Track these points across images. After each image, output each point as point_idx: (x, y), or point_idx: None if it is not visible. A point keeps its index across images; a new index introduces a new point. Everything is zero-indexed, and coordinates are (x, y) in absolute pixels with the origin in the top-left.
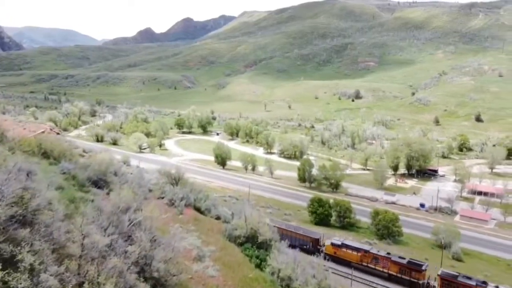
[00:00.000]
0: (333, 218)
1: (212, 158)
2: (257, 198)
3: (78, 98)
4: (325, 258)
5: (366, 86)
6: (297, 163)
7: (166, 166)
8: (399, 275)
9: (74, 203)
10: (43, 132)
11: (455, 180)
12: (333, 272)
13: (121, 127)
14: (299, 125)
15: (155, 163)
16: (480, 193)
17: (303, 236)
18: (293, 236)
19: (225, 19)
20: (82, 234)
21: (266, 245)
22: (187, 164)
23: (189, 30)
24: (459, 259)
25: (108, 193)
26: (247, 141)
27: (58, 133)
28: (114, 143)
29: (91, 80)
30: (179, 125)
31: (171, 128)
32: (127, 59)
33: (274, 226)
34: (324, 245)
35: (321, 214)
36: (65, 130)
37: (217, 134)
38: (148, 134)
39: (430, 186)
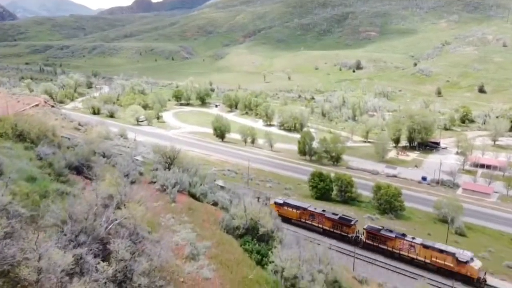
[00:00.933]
0: (334, 192)
1: (211, 131)
2: (256, 172)
3: (73, 70)
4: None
5: (367, 57)
6: (297, 136)
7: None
8: (332, 229)
9: (46, 198)
10: (37, 105)
11: (457, 153)
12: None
13: (118, 99)
14: (299, 96)
15: (153, 136)
16: (482, 165)
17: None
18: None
19: None
20: (38, 254)
21: (268, 237)
22: (185, 137)
23: None
24: (462, 234)
25: (91, 180)
26: (246, 113)
27: (53, 106)
28: (111, 115)
29: (87, 51)
30: (177, 97)
31: (169, 100)
32: (123, 29)
33: None
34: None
35: (322, 189)
36: (61, 102)
37: (216, 106)
38: (145, 107)
39: (432, 159)
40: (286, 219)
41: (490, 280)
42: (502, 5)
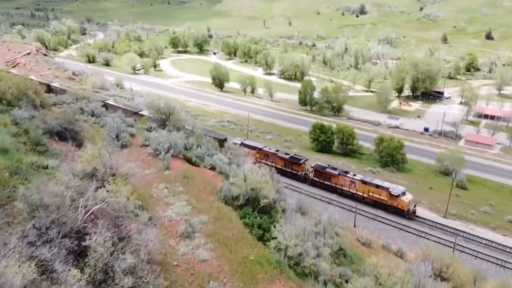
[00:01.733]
0: (335, 145)
1: (210, 80)
2: (256, 123)
3: (66, 15)
4: None
5: (372, 1)
6: (297, 85)
7: (158, 93)
8: (284, 168)
9: (18, 174)
10: (28, 53)
11: (461, 103)
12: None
13: (113, 47)
14: (300, 43)
15: (150, 86)
16: (486, 116)
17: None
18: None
19: None
20: None
21: (270, 209)
22: (183, 87)
23: None
24: (463, 187)
25: (75, 147)
26: (246, 61)
27: (45, 54)
28: (107, 64)
29: None
30: (174, 44)
31: (166, 47)
32: None
33: None
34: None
35: (323, 141)
36: (54, 50)
37: (214, 53)
38: (141, 54)
39: (435, 109)
40: None
41: (420, 211)
42: None
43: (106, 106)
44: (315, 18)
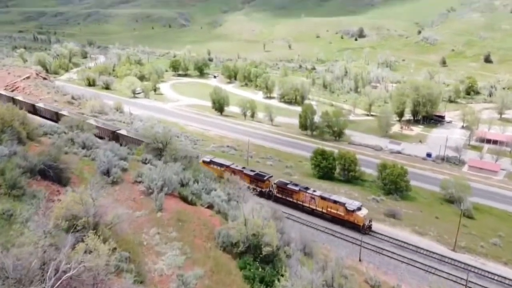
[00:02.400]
0: (337, 171)
1: (210, 103)
2: (256, 148)
3: (68, 38)
4: None
5: (370, 24)
6: (298, 109)
7: (152, 126)
8: (249, 184)
9: None
10: (28, 77)
11: (463, 127)
12: None
13: (113, 70)
14: (300, 66)
15: (150, 110)
16: (489, 141)
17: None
18: None
19: None
20: None
21: (273, 257)
22: (183, 110)
23: None
24: (470, 216)
25: (59, 187)
26: (246, 84)
27: (45, 78)
28: (107, 87)
29: (82, 18)
30: (175, 67)
31: (166, 71)
32: None
33: None
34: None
35: (324, 168)
36: (55, 73)
37: (214, 76)
38: (142, 77)
39: (436, 134)
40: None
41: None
42: None
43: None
44: (314, 41)
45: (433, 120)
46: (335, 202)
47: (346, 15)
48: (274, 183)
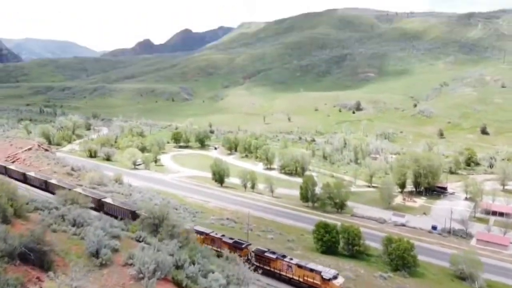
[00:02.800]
0: (341, 245)
1: (210, 174)
2: (257, 220)
3: (74, 111)
4: None
5: (367, 98)
6: (298, 180)
7: (151, 200)
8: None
9: None
10: (30, 148)
11: (466, 198)
12: None
13: (115, 142)
14: (300, 138)
15: (150, 181)
16: (494, 213)
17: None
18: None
19: (224, 30)
20: None
21: None
22: (183, 182)
23: (187, 41)
24: None
25: (40, 272)
26: (246, 155)
27: (46, 150)
28: (108, 158)
29: (88, 92)
30: (176, 139)
31: (168, 142)
32: (125, 71)
33: None
34: None
35: (327, 242)
36: (58, 144)
37: (215, 148)
38: (143, 149)
39: (440, 205)
40: None
41: None
42: (497, 47)
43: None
44: (313, 114)
45: (436, 191)
46: (311, 270)
47: (342, 89)
48: (252, 251)
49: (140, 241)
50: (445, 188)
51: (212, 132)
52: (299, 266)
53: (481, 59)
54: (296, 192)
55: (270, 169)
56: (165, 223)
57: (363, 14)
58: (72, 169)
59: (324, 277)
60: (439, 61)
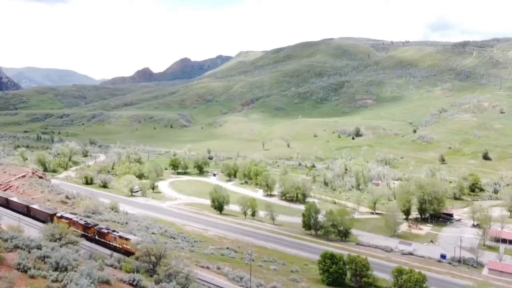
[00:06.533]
0: (348, 276)
1: (209, 201)
2: (259, 250)
3: (71, 138)
4: None
5: (366, 124)
6: (300, 207)
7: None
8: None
9: None
10: (24, 176)
11: (473, 225)
12: None
13: (113, 168)
14: (300, 164)
15: (146, 208)
16: (504, 240)
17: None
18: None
19: (222, 59)
20: None
21: None
22: (181, 209)
23: (186, 69)
24: None
25: None
26: (246, 182)
27: (41, 177)
28: (104, 185)
29: (86, 119)
30: (174, 166)
31: (166, 169)
32: (124, 98)
33: None
34: None
35: (334, 273)
36: (54, 171)
37: (214, 174)
38: (141, 176)
39: (447, 233)
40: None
41: None
42: (492, 74)
43: None
44: (312, 140)
45: (441, 218)
46: (126, 239)
47: (341, 116)
48: (96, 230)
49: (134, 286)
50: (451, 215)
51: (210, 158)
52: (120, 237)
53: (478, 86)
54: (298, 220)
55: (271, 195)
56: (162, 262)
57: (359, 43)
58: (67, 197)
59: (133, 241)
60: (436, 88)
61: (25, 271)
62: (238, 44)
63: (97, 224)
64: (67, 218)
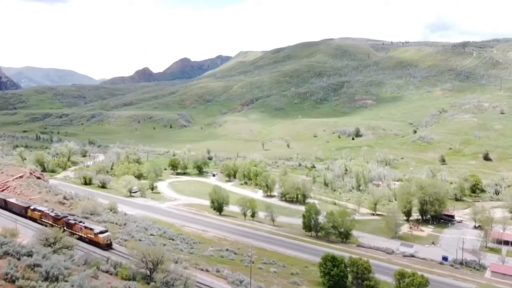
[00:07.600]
0: (350, 279)
1: (208, 202)
2: (258, 251)
3: (70, 137)
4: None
5: (366, 124)
6: (300, 208)
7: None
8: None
9: None
10: (21, 176)
11: (475, 227)
12: None
13: (112, 168)
14: (299, 165)
15: (145, 209)
16: (506, 242)
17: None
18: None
19: (222, 59)
20: None
21: None
22: (180, 210)
23: (186, 69)
24: None
25: None
26: (245, 182)
27: (38, 177)
28: (103, 186)
29: (85, 119)
30: (174, 166)
31: (165, 169)
32: (123, 98)
33: None
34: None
35: (335, 276)
36: (52, 171)
37: (214, 175)
38: (140, 176)
39: (448, 234)
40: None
41: None
42: (492, 75)
43: None
44: (312, 140)
45: (443, 219)
46: (90, 229)
47: (340, 116)
48: (65, 221)
49: None
50: (452, 216)
51: (210, 158)
52: (85, 227)
53: (478, 86)
54: (298, 221)
55: (270, 196)
56: (160, 268)
57: (359, 44)
58: (65, 197)
59: (95, 231)
60: (436, 88)
61: (13, 281)
62: (237, 44)
63: (66, 216)
64: (39, 211)
